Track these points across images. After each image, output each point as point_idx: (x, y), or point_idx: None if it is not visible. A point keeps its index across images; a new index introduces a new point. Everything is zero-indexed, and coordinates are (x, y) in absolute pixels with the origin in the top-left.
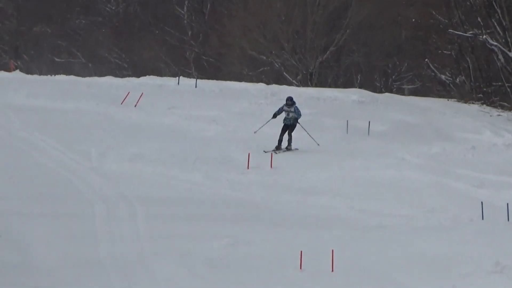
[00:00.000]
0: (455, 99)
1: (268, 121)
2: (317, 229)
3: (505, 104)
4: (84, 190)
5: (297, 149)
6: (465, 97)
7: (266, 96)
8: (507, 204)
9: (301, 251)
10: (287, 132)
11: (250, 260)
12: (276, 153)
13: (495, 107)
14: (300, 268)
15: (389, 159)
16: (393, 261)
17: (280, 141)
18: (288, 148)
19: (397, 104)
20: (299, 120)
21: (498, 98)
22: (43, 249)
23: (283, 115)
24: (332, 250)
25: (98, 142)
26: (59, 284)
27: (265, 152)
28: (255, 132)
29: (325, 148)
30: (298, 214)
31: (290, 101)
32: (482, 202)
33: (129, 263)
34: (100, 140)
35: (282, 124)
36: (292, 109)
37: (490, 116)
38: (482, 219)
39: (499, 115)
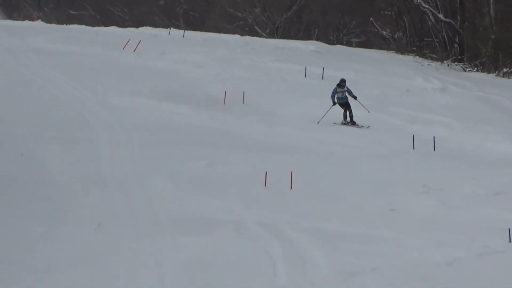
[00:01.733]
0: (393, 51)
1: (330, 108)
2: (280, 154)
3: (434, 56)
4: (90, 119)
5: (367, 126)
6: (401, 50)
7: (241, 46)
8: (434, 137)
9: (266, 172)
10: (348, 114)
11: (224, 178)
12: (344, 124)
13: (426, 58)
14: (265, 185)
15: None
16: (342, 182)
17: (345, 117)
18: (353, 123)
19: (347, 54)
20: (355, 99)
21: (428, 51)
22: (56, 167)
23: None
24: (291, 172)
25: (103, 80)
26: (68, 195)
27: (318, 122)
28: (318, 123)
29: (287, 89)
30: (265, 142)
31: (343, 83)
32: (413, 136)
33: (126, 179)
34: (105, 78)
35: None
36: (345, 89)
37: (422, 65)
38: (413, 149)
39: (429, 64)
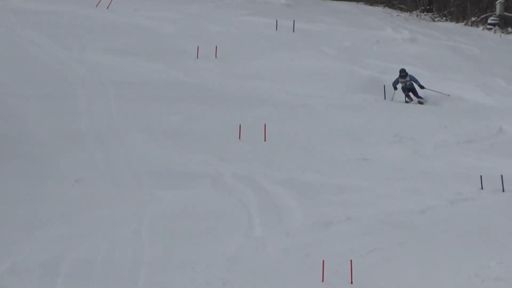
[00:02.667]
0: (363, 3)
1: (394, 93)
2: (253, 107)
3: (403, 6)
4: (68, 76)
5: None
6: (371, 1)
7: (213, 0)
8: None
9: (240, 125)
10: (412, 94)
11: (199, 131)
12: (406, 102)
13: (395, 9)
14: (239, 138)
15: (311, 51)
16: (315, 133)
17: (407, 96)
18: (420, 102)
19: (317, 6)
20: (423, 88)
21: (397, 1)
22: (36, 123)
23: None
24: (265, 124)
25: (79, 38)
26: (48, 152)
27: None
28: (391, 99)
29: (259, 43)
30: (238, 95)
31: (403, 73)
32: (384, 86)
33: (104, 134)
34: (81, 36)
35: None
36: (408, 78)
37: (391, 16)
38: (384, 99)
39: (398, 15)
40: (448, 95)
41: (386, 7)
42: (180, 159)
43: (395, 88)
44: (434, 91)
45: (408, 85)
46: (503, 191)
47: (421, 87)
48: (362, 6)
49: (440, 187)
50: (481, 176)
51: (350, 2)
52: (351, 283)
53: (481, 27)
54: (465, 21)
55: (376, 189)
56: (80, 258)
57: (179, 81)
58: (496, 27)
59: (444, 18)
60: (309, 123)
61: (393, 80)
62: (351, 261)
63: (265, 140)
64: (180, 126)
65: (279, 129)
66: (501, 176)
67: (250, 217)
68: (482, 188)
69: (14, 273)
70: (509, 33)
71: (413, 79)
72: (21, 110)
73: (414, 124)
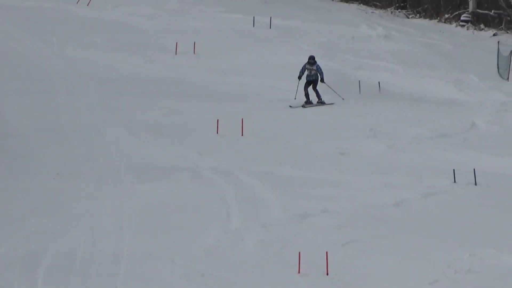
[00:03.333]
0: (339, 0)
1: (298, 85)
2: (231, 102)
3: (378, 3)
4: (48, 71)
5: (332, 103)
6: None
7: None
8: (379, 82)
9: (218, 120)
10: (311, 87)
11: (178, 126)
12: (305, 107)
13: (370, 6)
14: (217, 132)
15: (289, 47)
16: (292, 127)
17: (306, 95)
18: (320, 102)
19: (293, 3)
20: (324, 80)
21: None
22: (16, 118)
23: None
24: (242, 119)
25: (59, 34)
26: (28, 146)
27: (291, 107)
28: (290, 107)
29: (237, 39)
30: (218, 90)
31: (312, 60)
32: (359, 81)
33: (85, 129)
34: (61, 32)
35: (305, 81)
36: (314, 67)
37: (366, 13)
38: (359, 93)
39: (373, 12)
40: (343, 99)
41: (361, 4)
42: (159, 153)
43: (299, 77)
44: (332, 89)
45: (312, 74)
46: (476, 184)
47: (322, 80)
48: (337, 3)
49: (414, 180)
50: (454, 170)
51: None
52: (327, 274)
53: (454, 24)
54: (438, 18)
55: (352, 182)
56: (61, 251)
57: (158, 77)
58: (469, 24)
59: (418, 15)
60: (286, 118)
61: (300, 69)
62: (327, 253)
63: (242, 135)
64: (159, 121)
65: (256, 123)
66: (474, 169)
67: (228, 210)
68: (455, 181)
69: None
70: (482, 29)
71: (319, 70)
72: (1, 107)
73: (389, 119)
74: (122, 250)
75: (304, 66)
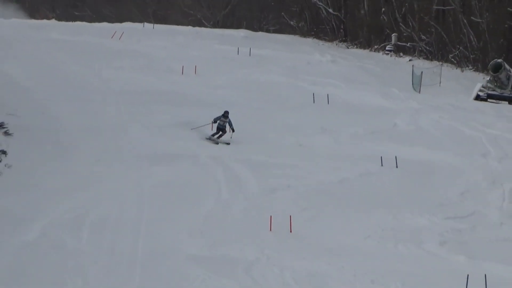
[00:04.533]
0: (298, 35)
1: (207, 124)
2: (220, 108)
3: (326, 38)
4: (89, 87)
5: (228, 143)
6: (304, 34)
7: (193, 34)
8: (328, 94)
9: (212, 121)
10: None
11: (182, 125)
12: (208, 139)
13: (321, 40)
14: (211, 129)
15: (261, 68)
16: (266, 127)
17: (215, 134)
18: (214, 140)
19: (266, 38)
20: (233, 132)
21: (322, 34)
22: (65, 119)
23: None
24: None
25: (98, 60)
26: (74, 139)
27: (192, 128)
28: (192, 129)
29: (225, 63)
30: (211, 100)
31: (227, 114)
32: (313, 93)
33: (114, 127)
34: (99, 59)
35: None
36: (227, 120)
37: (318, 45)
38: (314, 103)
39: (323, 44)
40: (228, 144)
41: (315, 38)
42: (168, 145)
43: (214, 122)
44: (231, 137)
45: (223, 125)
46: (397, 167)
47: (233, 130)
48: (298, 38)
49: (352, 164)
50: (381, 157)
51: (289, 35)
52: (291, 232)
53: (381, 53)
54: (370, 48)
55: (308, 166)
56: (97, 216)
57: (168, 90)
58: (392, 52)
59: (355, 46)
60: (261, 120)
61: (216, 116)
62: (290, 216)
63: (229, 131)
64: (168, 122)
65: (239, 124)
66: (395, 157)
67: (219, 186)
68: (382, 165)
69: (52, 225)
70: (401, 56)
71: (229, 122)
72: (55, 111)
73: (334, 121)
74: (142, 215)
75: (219, 117)
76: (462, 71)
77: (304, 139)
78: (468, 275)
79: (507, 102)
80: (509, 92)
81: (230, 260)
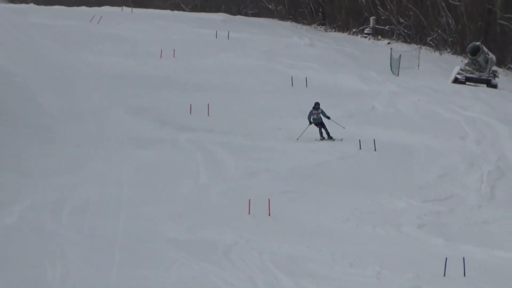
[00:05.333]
0: (277, 19)
1: (306, 128)
2: (200, 91)
3: (305, 21)
4: (71, 71)
5: (341, 139)
6: (282, 18)
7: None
8: (306, 77)
9: (191, 104)
10: (320, 128)
11: (162, 109)
12: (320, 140)
13: (299, 23)
14: (190, 113)
15: (239, 52)
16: (244, 109)
17: (321, 133)
18: (330, 138)
19: (245, 22)
20: (329, 119)
21: (301, 18)
22: (47, 103)
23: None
24: (208, 104)
25: (78, 44)
26: (56, 123)
27: (298, 139)
28: (297, 139)
29: (204, 47)
30: (190, 83)
31: (317, 105)
32: (292, 77)
33: (96, 111)
34: (79, 42)
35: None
36: (319, 111)
37: (296, 28)
38: (292, 86)
39: (301, 27)
40: (343, 127)
41: (293, 22)
42: (148, 128)
43: (310, 122)
44: (335, 121)
45: (318, 118)
46: (375, 150)
47: (327, 117)
48: (276, 21)
49: (331, 147)
50: (359, 140)
51: (267, 18)
52: (269, 215)
53: (359, 36)
54: (348, 31)
55: (286, 149)
56: (79, 198)
57: (148, 74)
58: (370, 35)
59: (333, 29)
60: (240, 103)
61: (308, 114)
62: (269, 199)
63: (208, 115)
64: (148, 105)
65: (219, 108)
66: (374, 140)
67: (198, 169)
68: (360, 148)
69: (32, 209)
70: (379, 40)
71: (323, 112)
72: (36, 94)
73: (313, 104)
74: (123, 197)
75: (311, 111)
76: (441, 54)
77: (282, 122)
78: (446, 258)
79: (485, 85)
80: (487, 75)
81: (209, 243)
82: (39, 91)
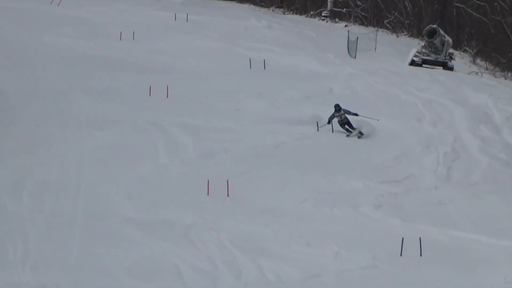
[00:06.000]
0: (235, 1)
1: (324, 124)
2: (159, 74)
3: (263, 3)
4: (31, 53)
5: (363, 134)
6: (241, 0)
7: None
8: (264, 59)
9: (150, 86)
10: (348, 127)
11: (121, 90)
12: (349, 136)
13: (257, 5)
14: (150, 95)
15: (200, 35)
16: (202, 91)
17: (347, 130)
18: (360, 133)
19: (204, 4)
20: (357, 115)
21: (259, 0)
22: (6, 84)
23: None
24: (167, 86)
25: (38, 25)
26: (15, 104)
27: (320, 126)
28: (318, 130)
29: (163, 29)
30: (149, 66)
31: (338, 107)
32: (250, 59)
33: (55, 92)
34: (39, 24)
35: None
36: (342, 112)
37: (254, 10)
38: (250, 68)
39: (259, 10)
40: (378, 120)
41: (251, 4)
42: (108, 109)
43: (329, 123)
44: (365, 116)
45: (343, 119)
46: (332, 132)
47: (355, 115)
48: (234, 4)
49: (288, 128)
50: (317, 121)
51: (226, 1)
52: (228, 195)
53: (317, 18)
54: (306, 14)
55: (245, 130)
56: (38, 179)
57: (107, 56)
58: (328, 18)
59: (291, 11)
60: (199, 85)
61: (330, 116)
62: (227, 180)
63: (167, 97)
64: (108, 87)
65: (178, 89)
66: (331, 121)
67: (157, 150)
68: (318, 130)
69: None
70: (336, 22)
71: (346, 112)
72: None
73: (272, 85)
74: (82, 178)
75: (333, 114)
76: (397, 36)
77: (240, 104)
78: (403, 238)
79: (441, 67)
80: (443, 58)
81: (168, 223)
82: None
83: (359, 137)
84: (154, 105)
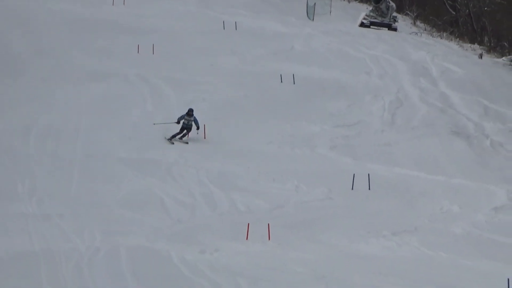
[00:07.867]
0: None
1: (171, 122)
2: (146, 34)
3: None
4: (36, 18)
5: (187, 143)
6: None
7: None
8: (235, 22)
9: (138, 45)
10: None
11: (112, 49)
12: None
13: None
14: (138, 52)
15: (181, 1)
16: (181, 50)
17: (174, 135)
18: (184, 140)
19: None
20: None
21: None
22: (15, 45)
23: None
24: (153, 44)
25: None
26: (22, 61)
27: (155, 124)
28: (154, 124)
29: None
30: (138, 27)
31: (191, 112)
32: (224, 21)
33: (57, 50)
34: None
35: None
36: (192, 119)
37: None
38: (224, 29)
39: None
40: (197, 133)
41: None
42: (101, 65)
43: (178, 122)
44: (197, 133)
45: (189, 124)
46: (294, 83)
47: (198, 128)
48: None
49: (258, 81)
50: (281, 74)
51: None
52: (205, 138)
53: None
54: None
55: (219, 82)
56: (43, 125)
57: (101, 19)
58: None
59: None
60: (178, 44)
61: (180, 115)
62: (204, 125)
63: (153, 53)
64: (102, 45)
65: (163, 47)
66: (293, 74)
67: (144, 100)
68: (281, 82)
69: (3, 133)
70: None
71: (195, 120)
72: (6, 36)
73: (242, 43)
74: (80, 124)
75: (183, 116)
76: (349, 2)
77: (215, 60)
78: (354, 174)
79: (386, 29)
80: (388, 20)
81: (154, 162)
82: (7, 33)
83: (186, 143)
84: (141, 61)
